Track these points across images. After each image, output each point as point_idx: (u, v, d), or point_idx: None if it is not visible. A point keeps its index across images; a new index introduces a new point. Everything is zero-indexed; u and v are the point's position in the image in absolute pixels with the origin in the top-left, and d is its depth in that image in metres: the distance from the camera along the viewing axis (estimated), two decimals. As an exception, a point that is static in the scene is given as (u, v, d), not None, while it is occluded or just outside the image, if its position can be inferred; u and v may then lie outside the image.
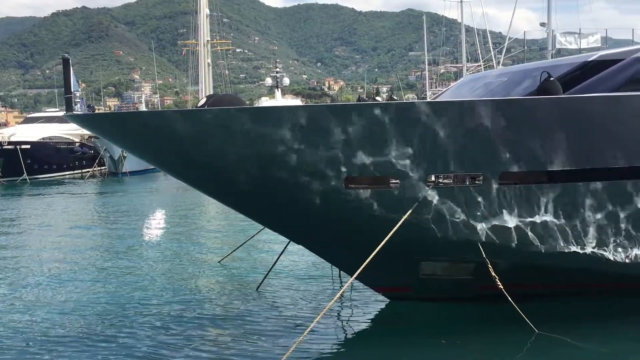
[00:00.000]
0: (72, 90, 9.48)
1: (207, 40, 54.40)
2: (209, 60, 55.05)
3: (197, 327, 9.37)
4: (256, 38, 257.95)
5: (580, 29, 16.94)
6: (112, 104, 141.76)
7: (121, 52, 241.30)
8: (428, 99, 14.25)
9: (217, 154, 8.44)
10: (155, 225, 20.49)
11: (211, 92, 47.60)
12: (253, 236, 13.43)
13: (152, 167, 9.73)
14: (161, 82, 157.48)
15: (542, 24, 34.30)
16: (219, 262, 13.67)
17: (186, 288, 11.65)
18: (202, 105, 9.04)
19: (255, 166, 8.49)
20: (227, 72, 75.33)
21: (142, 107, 75.54)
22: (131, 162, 41.34)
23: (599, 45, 18.22)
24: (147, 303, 10.67)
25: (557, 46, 18.40)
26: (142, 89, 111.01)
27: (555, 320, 8.95)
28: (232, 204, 9.78)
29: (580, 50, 15.43)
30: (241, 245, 13.75)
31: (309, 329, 8.10)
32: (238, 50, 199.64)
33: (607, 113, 8.85)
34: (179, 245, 16.18)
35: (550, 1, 30.63)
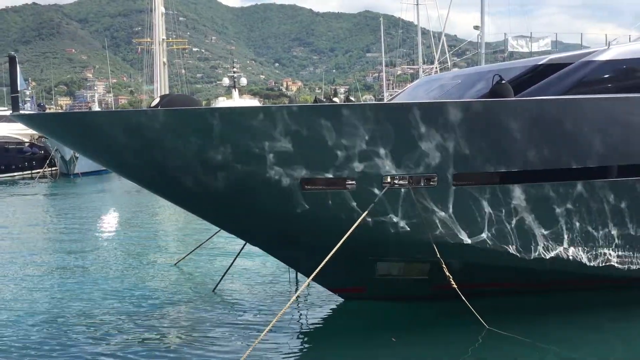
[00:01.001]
0: (18, 89, 9.14)
1: (163, 39, 53.52)
2: (165, 59, 54.17)
3: (151, 331, 9.21)
4: (213, 37, 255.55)
5: (531, 33, 17.39)
6: (64, 103, 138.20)
7: (73, 50, 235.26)
8: (385, 100, 14.40)
9: (169, 154, 8.31)
10: (108, 227, 20.06)
11: (167, 92, 46.91)
12: (209, 238, 13.29)
13: (105, 168, 9.50)
14: (115, 81, 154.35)
15: (476, 27, 35.14)
16: (174, 264, 13.46)
17: (140, 291, 11.43)
18: (156, 106, 8.90)
19: (208, 167, 8.39)
20: (183, 71, 74.35)
21: (95, 107, 73.82)
22: (83, 163, 40.32)
23: (550, 48, 18.74)
24: (99, 306, 10.42)
25: (510, 49, 18.85)
26: (95, 88, 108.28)
27: (506, 317, 9.14)
28: (187, 206, 9.65)
29: (531, 54, 15.84)
30: (197, 247, 13.58)
31: (265, 331, 8.06)
32: (195, 49, 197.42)
33: (557, 116, 9.08)
34: (133, 248, 15.87)
35: (484, 5, 31.46)
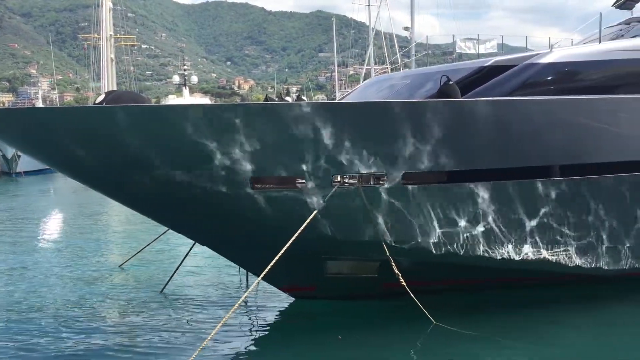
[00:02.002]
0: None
1: (110, 35, 52.27)
2: (112, 56, 52.90)
3: (96, 335, 8.95)
4: (163, 34, 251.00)
5: (478, 35, 17.72)
6: (6, 99, 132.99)
7: (16, 45, 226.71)
8: (337, 100, 14.45)
9: (114, 152, 8.11)
10: (52, 228, 19.45)
11: (114, 89, 45.83)
12: (157, 238, 13.01)
13: (49, 166, 9.20)
14: (60, 77, 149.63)
15: (406, 28, 35.70)
16: (120, 265, 13.13)
17: (84, 294, 11.10)
18: (101, 102, 8.69)
19: (156, 166, 8.22)
20: (132, 68, 72.81)
21: (39, 104, 71.36)
22: (26, 162, 38.95)
23: (496, 50, 19.16)
24: (43, 310, 10.08)
25: (458, 51, 19.19)
26: (39, 85, 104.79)
27: (453, 313, 9.30)
28: (133, 206, 9.43)
29: (478, 55, 16.16)
30: (144, 247, 13.29)
31: (214, 331, 7.95)
32: (144, 46, 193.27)
33: (501, 116, 9.28)
34: (77, 249, 15.41)
35: (413, 7, 31.97)
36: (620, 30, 14.16)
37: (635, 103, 10.09)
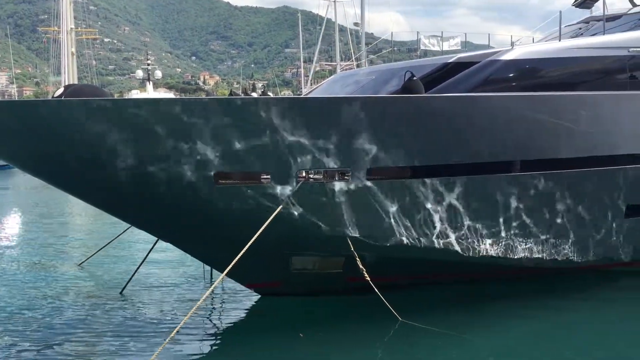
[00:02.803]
0: None
1: (71, 28, 51.19)
2: (73, 50, 51.81)
3: (53, 336, 8.69)
4: (126, 28, 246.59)
5: (442, 33, 17.87)
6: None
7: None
8: (303, 95, 14.39)
9: (74, 147, 7.91)
10: (9, 226, 18.93)
11: (75, 83, 44.80)
12: (117, 237, 12.74)
13: (6, 162, 8.93)
14: (19, 71, 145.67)
15: (356, 24, 35.86)
16: (79, 265, 12.83)
17: (42, 294, 10.80)
18: (59, 96, 8.46)
19: (117, 161, 8.04)
20: (94, 62, 71.48)
21: (-3, 98, 69.46)
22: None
23: (460, 48, 19.37)
24: (-4, 311, 9.77)
25: (422, 48, 19.34)
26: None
27: (419, 309, 9.35)
28: (94, 202, 9.22)
29: (442, 52, 16.30)
30: (104, 246, 13.01)
31: (176, 329, 7.82)
32: (106, 40, 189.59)
33: (464, 112, 9.36)
34: (34, 248, 15.02)
35: (364, 3, 31.91)
36: (580, 28, 14.46)
37: (593, 100, 10.31)
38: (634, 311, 9.90)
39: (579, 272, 10.88)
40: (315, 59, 60.16)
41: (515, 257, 10.05)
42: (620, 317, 9.64)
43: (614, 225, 10.64)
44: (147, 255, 11.24)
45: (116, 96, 10.95)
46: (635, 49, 10.67)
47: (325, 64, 75.15)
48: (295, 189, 8.63)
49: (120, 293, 10.74)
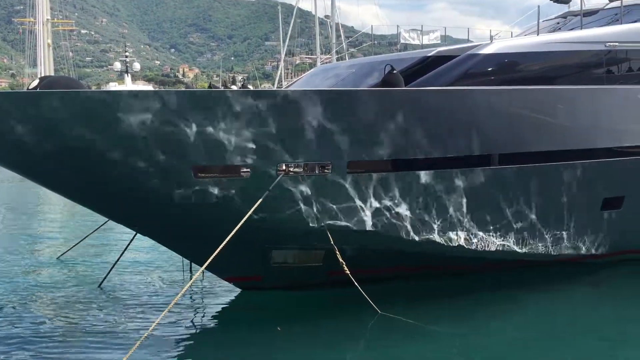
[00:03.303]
0: None
1: (47, 19, 50.31)
2: (50, 41, 50.94)
3: (31, 329, 8.59)
4: (104, 19, 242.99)
5: (422, 27, 17.93)
6: None
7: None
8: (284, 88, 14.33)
9: (51, 138, 7.79)
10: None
11: (52, 75, 44.09)
12: (95, 230, 12.62)
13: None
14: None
15: (326, 17, 35.83)
16: (57, 258, 12.67)
17: (19, 287, 10.66)
18: (35, 87, 8.34)
19: (94, 153, 7.94)
20: (70, 54, 70.37)
21: (-29, 90, 68.04)
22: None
23: (439, 42, 19.46)
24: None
25: (402, 41, 19.40)
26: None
27: (397, 301, 9.40)
28: (71, 196, 9.10)
29: (422, 46, 16.37)
30: (82, 239, 12.86)
31: (153, 325, 7.76)
32: (83, 31, 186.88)
33: (442, 105, 9.40)
34: (13, 241, 14.81)
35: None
36: (558, 23, 14.61)
37: (571, 94, 10.42)
38: (605, 300, 10.12)
39: (553, 265, 11.02)
40: (284, 50, 59.68)
41: (498, 249, 10.15)
42: (592, 306, 9.87)
43: (590, 217, 10.78)
44: (125, 248, 11.13)
45: (94, 88, 10.79)
46: (611, 44, 10.81)
47: (306, 57, 74.89)
48: (276, 182, 8.58)
49: (99, 287, 10.64)
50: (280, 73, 60.46)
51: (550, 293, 10.28)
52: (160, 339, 8.27)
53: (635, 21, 12.47)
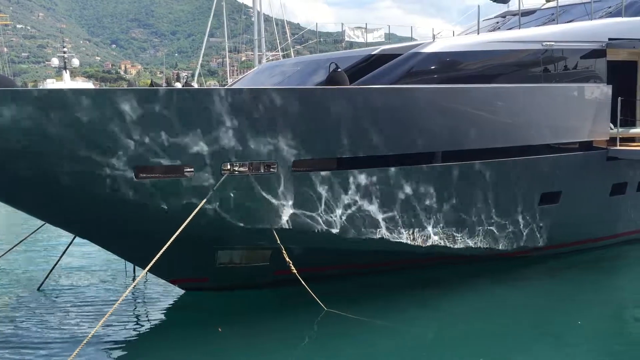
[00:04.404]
0: None
1: (-21, 13, 48.05)
2: (-18, 36, 48.70)
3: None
4: (40, 14, 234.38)
5: (366, 24, 18.13)
6: None
7: None
8: (228, 86, 14.16)
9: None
10: None
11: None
12: (32, 233, 12.05)
13: None
14: None
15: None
16: (-8, 262, 12.12)
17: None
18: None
19: (31, 153, 7.62)
20: (5, 50, 67.64)
21: None
22: None
23: (383, 40, 19.70)
24: None
25: (347, 39, 19.55)
26: None
27: (343, 298, 9.44)
28: (6, 198, 8.71)
29: (367, 44, 16.52)
30: (19, 243, 12.25)
31: (94, 329, 7.54)
32: (19, 26, 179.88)
33: (386, 103, 9.46)
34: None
35: None
36: (497, 22, 14.99)
37: (510, 92, 10.69)
38: (552, 289, 10.54)
39: (495, 260, 11.31)
40: (205, 45, 59.13)
41: (443, 244, 10.33)
42: (542, 292, 10.36)
43: (530, 212, 11.11)
44: (64, 250, 10.78)
45: (30, 85, 10.33)
46: (548, 43, 11.15)
47: (252, 54, 74.31)
48: (220, 182, 8.46)
49: (38, 289, 10.28)
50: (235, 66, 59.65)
51: (490, 287, 10.52)
52: (102, 342, 8.08)
53: (570, 21, 12.94)
